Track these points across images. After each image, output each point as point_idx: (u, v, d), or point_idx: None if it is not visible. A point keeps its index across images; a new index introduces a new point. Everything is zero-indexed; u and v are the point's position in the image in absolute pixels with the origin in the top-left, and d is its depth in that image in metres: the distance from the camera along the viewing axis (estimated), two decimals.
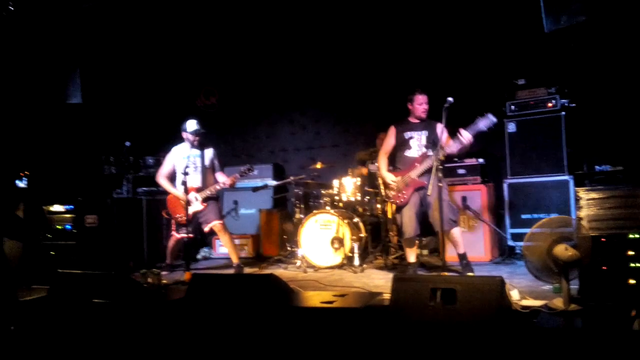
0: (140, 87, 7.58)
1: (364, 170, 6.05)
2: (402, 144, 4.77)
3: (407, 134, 4.75)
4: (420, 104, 4.69)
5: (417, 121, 4.79)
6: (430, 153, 4.58)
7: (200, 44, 7.63)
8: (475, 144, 4.47)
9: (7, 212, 4.45)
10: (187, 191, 4.91)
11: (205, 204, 5.24)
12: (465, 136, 4.35)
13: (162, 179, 5.42)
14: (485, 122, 4.32)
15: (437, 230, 4.46)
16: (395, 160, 4.85)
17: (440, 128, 4.50)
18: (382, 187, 4.98)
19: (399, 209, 4.71)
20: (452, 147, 4.44)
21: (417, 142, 4.73)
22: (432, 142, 4.62)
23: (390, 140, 4.85)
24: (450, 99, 4.11)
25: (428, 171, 4.42)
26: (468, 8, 6.11)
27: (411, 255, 4.76)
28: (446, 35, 6.27)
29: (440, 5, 6.25)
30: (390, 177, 4.74)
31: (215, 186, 5.25)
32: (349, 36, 6.88)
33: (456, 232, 4.57)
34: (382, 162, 4.89)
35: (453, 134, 4.61)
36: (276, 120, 7.71)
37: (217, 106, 8.00)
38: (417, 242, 4.90)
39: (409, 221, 4.61)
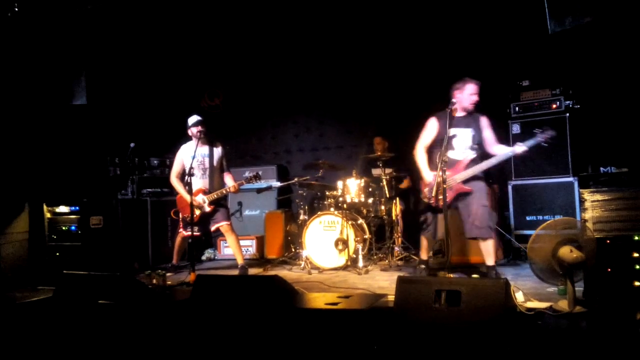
0: (145, 89, 7.60)
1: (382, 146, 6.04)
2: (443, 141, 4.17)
3: (450, 132, 4.11)
4: (471, 94, 4.27)
5: (461, 114, 4.35)
6: (474, 155, 4.33)
7: (205, 45, 7.65)
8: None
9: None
10: (191, 192, 4.90)
11: (212, 207, 5.26)
12: (519, 149, 4.23)
13: (174, 179, 5.43)
14: (543, 136, 4.20)
15: (468, 236, 4.33)
16: (433, 158, 4.36)
17: (485, 124, 4.36)
18: (422, 183, 4.50)
19: (434, 209, 4.37)
20: (501, 157, 4.27)
21: (461, 141, 4.32)
22: (478, 144, 4.36)
23: (430, 132, 4.41)
24: (454, 100, 4.12)
25: (473, 177, 4.28)
26: (473, 10, 6.11)
27: (424, 253, 4.72)
28: (450, 37, 6.27)
29: (445, 7, 6.24)
30: (428, 175, 4.35)
31: (222, 190, 5.28)
32: (353, 38, 6.89)
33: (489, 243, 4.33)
34: (422, 158, 4.43)
35: None
36: (280, 121, 7.72)
37: (221, 108, 8.03)
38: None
39: (441, 226, 4.31)
